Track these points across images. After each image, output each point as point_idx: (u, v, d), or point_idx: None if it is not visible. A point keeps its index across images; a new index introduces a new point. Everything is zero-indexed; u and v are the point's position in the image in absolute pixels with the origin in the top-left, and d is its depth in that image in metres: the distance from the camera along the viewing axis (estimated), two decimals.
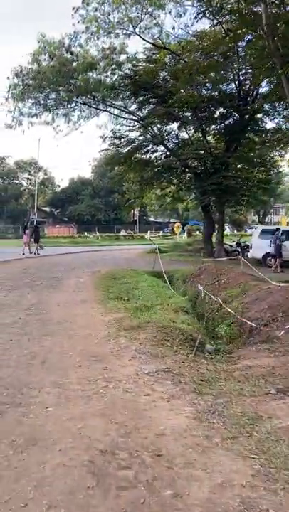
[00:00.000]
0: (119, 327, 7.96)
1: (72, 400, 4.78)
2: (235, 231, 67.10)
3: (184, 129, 24.77)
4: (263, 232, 21.53)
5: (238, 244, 24.84)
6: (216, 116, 24.92)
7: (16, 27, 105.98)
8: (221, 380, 5.54)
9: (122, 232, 59.39)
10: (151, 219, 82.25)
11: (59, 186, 74.10)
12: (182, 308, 10.12)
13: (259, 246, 21.17)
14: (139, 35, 22.00)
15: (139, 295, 11.94)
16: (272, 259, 19.80)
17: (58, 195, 72.04)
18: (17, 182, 67.53)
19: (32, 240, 27.45)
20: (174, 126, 25.68)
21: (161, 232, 60.33)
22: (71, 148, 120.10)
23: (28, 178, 69.25)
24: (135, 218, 75.33)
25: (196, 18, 18.25)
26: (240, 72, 22.47)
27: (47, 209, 73.86)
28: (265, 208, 75.54)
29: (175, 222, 58.87)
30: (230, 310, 8.59)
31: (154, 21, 22.14)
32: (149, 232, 56.16)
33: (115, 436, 3.89)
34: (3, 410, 4.52)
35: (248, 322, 8.65)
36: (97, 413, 4.42)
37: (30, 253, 26.54)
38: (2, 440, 3.85)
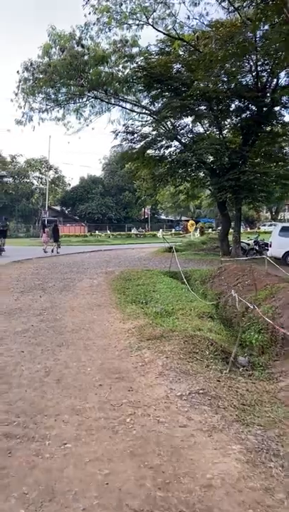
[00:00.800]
0: (141, 336, 7.18)
1: (95, 433, 4.02)
2: (248, 228, 66.08)
3: (198, 123, 23.88)
4: (283, 229, 20.60)
5: (256, 243, 23.95)
6: (231, 109, 23.99)
7: (28, 28, 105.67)
8: (266, 404, 4.73)
9: (134, 231, 58.63)
10: (163, 217, 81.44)
11: (70, 185, 73.68)
12: (206, 313, 9.32)
13: (279, 244, 20.26)
14: (152, 26, 21.17)
15: (158, 298, 11.18)
16: None
17: (68, 193, 71.58)
18: (28, 181, 67.07)
19: (50, 239, 27.79)
20: (188, 120, 24.81)
21: (173, 230, 59.52)
22: (82, 147, 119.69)
23: (38, 177, 68.82)
24: (146, 216, 74.59)
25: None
26: (258, 63, 21.55)
27: (58, 208, 73.39)
28: (278, 205, 74.18)
29: (187, 220, 57.98)
30: (266, 318, 7.75)
31: (168, 11, 21.32)
32: (161, 230, 55.36)
33: (152, 489, 3.11)
34: (14, 446, 3.77)
35: (282, 330, 7.82)
36: (126, 452, 3.65)
37: (52, 252, 26.93)
38: (11, 493, 3.09)
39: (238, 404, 4.67)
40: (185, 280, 13.58)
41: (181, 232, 55.51)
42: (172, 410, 4.45)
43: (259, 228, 61.16)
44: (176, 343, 6.60)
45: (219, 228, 61.00)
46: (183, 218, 76.42)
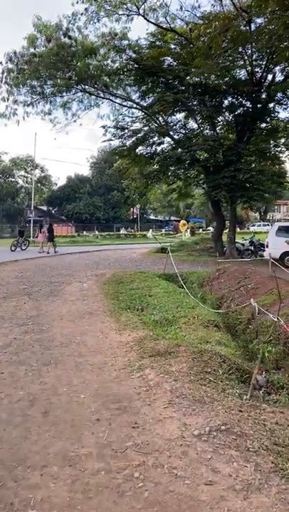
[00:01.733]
0: (142, 352, 6.21)
1: (94, 496, 3.03)
2: (238, 229, 65.47)
3: (192, 119, 23.02)
4: (281, 229, 19.81)
5: (252, 243, 23.14)
6: (225, 105, 23.19)
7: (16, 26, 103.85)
8: None
9: (122, 231, 57.57)
10: (152, 217, 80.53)
11: (56, 184, 72.40)
12: (211, 321, 8.38)
13: (276, 244, 19.45)
14: (143, 16, 20.24)
15: (155, 304, 10.23)
16: None
17: (55, 193, 70.35)
18: (13, 180, 65.70)
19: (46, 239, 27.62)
20: (180, 116, 23.94)
21: (163, 230, 58.62)
22: (69, 144, 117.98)
23: (24, 176, 67.51)
24: (135, 216, 73.62)
25: None
26: (253, 58, 20.75)
27: (44, 208, 72.04)
28: (267, 205, 73.94)
29: (177, 220, 57.14)
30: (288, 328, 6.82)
31: (159, 2, 20.42)
32: (151, 230, 54.33)
33: None
34: None
35: None
36: None
37: (41, 252, 26.74)
38: None
39: (270, 445, 3.72)
40: (183, 284, 12.64)
41: (171, 232, 54.63)
42: (191, 457, 3.48)
43: (248, 228, 60.59)
44: (183, 360, 5.64)
45: (209, 228, 60.49)
46: (172, 218, 75.61)
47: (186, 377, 5.16)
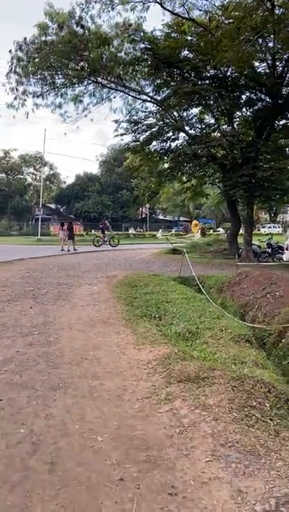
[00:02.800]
0: (168, 375, 5.17)
1: None
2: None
3: (208, 113, 21.93)
4: None
5: (269, 245, 22.02)
6: (243, 99, 22.11)
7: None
8: None
9: (131, 231, 56.56)
10: (160, 217, 79.45)
11: (65, 182, 71.55)
12: (242, 336, 7.32)
13: None
14: (160, 4, 19.16)
15: (174, 312, 9.20)
16: None
17: (63, 191, 69.49)
18: (21, 177, 64.91)
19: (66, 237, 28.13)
20: (196, 111, 22.87)
21: (173, 230, 57.52)
22: (77, 144, 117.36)
23: (33, 173, 66.73)
24: (144, 216, 72.65)
25: None
26: (275, 50, 19.66)
27: (52, 206, 71.29)
28: (277, 206, 72.69)
29: (188, 221, 56.05)
30: None
31: None
32: (160, 230, 53.31)
33: None
34: None
35: None
36: None
37: (69, 250, 27.24)
38: None
39: None
40: (203, 289, 11.59)
41: (181, 232, 53.53)
42: None
43: (259, 230, 59.39)
44: (221, 390, 4.59)
45: (219, 229, 59.35)
46: (181, 218, 74.52)
47: (228, 414, 4.11)
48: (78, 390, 4.90)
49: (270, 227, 57.93)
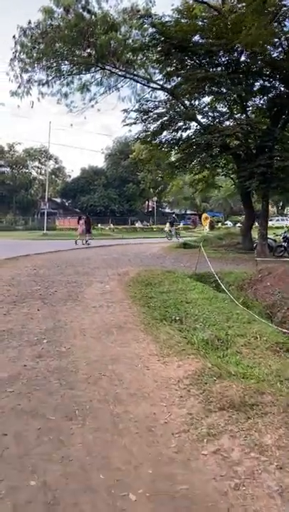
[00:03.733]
0: (206, 399, 4.30)
1: None
2: (256, 223, 63.08)
3: (221, 102, 20.91)
4: None
5: (286, 239, 21.06)
6: (257, 87, 21.06)
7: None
8: None
9: (138, 224, 55.64)
10: (167, 210, 78.33)
11: (70, 176, 70.58)
12: (280, 344, 6.42)
13: None
14: None
15: (196, 314, 8.32)
16: None
17: (69, 185, 68.57)
18: (26, 171, 63.99)
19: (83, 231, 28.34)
20: (208, 99, 21.85)
21: (181, 224, 56.50)
22: (83, 136, 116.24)
23: (38, 167, 65.77)
24: (150, 209, 71.66)
25: None
26: None
27: (58, 200, 70.42)
28: (285, 199, 71.54)
29: (195, 214, 55.03)
30: None
31: None
32: (168, 224, 52.23)
33: None
34: None
35: None
36: None
37: (83, 244, 27.56)
38: None
39: None
40: (226, 289, 10.69)
41: (190, 226, 52.53)
42: None
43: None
44: (277, 423, 3.71)
45: (227, 222, 58.30)
46: (188, 212, 73.43)
47: None
48: (99, 419, 4.05)
49: (278, 220, 56.75)
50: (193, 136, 20.69)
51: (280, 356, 5.93)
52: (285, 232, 21.80)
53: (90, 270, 15.16)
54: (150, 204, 71.68)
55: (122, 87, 22.50)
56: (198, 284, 11.69)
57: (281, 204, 77.44)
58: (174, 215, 35.99)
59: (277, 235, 22.44)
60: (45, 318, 8.09)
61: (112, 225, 51.85)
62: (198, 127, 20.72)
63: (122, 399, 4.50)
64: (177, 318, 8.16)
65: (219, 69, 19.77)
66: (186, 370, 5.14)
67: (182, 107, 20.57)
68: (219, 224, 51.42)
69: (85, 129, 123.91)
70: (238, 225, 48.13)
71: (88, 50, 19.13)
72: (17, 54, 17.70)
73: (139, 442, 3.63)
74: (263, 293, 10.71)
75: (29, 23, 17.23)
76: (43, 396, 4.57)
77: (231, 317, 7.89)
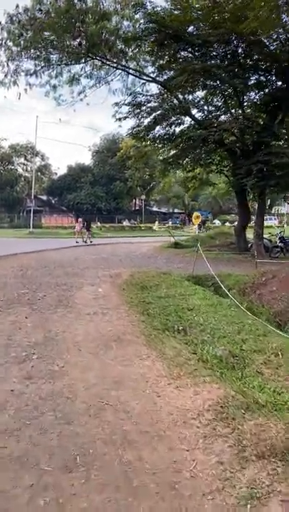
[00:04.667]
0: (238, 441, 3.47)
1: None
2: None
3: (216, 96, 20.15)
4: None
5: (282, 239, 20.45)
6: (254, 81, 20.41)
7: None
8: None
9: (126, 223, 54.74)
10: (154, 209, 77.50)
11: (56, 174, 69.21)
12: None
13: None
14: None
15: (202, 323, 7.51)
16: None
17: (55, 182, 67.24)
18: (12, 167, 62.52)
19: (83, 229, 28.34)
20: (202, 94, 21.07)
21: (169, 222, 55.74)
22: (70, 132, 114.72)
23: (24, 164, 64.35)
24: (137, 208, 70.80)
25: None
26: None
27: (44, 197, 69.07)
28: (272, 198, 71.29)
29: (185, 213, 54.30)
30: None
31: None
32: (156, 222, 51.53)
33: None
34: None
35: None
36: None
37: (84, 242, 27.09)
38: None
39: None
40: (231, 296, 9.91)
41: (179, 225, 51.81)
42: None
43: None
44: None
45: (215, 221, 57.68)
46: (176, 211, 72.74)
47: None
48: (106, 470, 3.20)
49: (266, 219, 56.34)
50: (186, 132, 19.89)
51: None
52: (280, 231, 21.19)
53: (80, 271, 14.33)
54: (137, 202, 70.77)
55: (112, 80, 21.59)
56: (198, 288, 10.92)
57: (269, 203, 77.23)
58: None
59: (272, 235, 21.82)
60: (34, 328, 7.23)
61: (99, 224, 50.80)
62: (193, 122, 19.94)
63: (132, 439, 3.66)
64: (180, 328, 7.33)
65: (214, 62, 19.05)
66: (204, 398, 4.32)
67: (176, 101, 19.75)
68: (208, 223, 50.80)
69: (72, 126, 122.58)
70: (227, 224, 47.69)
71: (78, 40, 18.16)
72: (3, 41, 16.71)
73: (162, 508, 2.80)
74: (269, 298, 9.95)
75: (17, 6, 16.24)
76: (36, 435, 3.71)
77: (243, 328, 7.09)
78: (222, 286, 10.63)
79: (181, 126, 20.15)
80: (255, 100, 21.34)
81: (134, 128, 20.16)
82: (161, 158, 21.46)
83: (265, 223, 47.20)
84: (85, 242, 26.95)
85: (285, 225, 43.21)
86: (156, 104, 20.43)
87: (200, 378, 4.87)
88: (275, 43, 19.36)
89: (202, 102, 20.19)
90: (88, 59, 18.79)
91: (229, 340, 6.46)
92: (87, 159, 78.75)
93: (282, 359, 5.60)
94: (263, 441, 3.37)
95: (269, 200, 73.56)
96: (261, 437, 3.42)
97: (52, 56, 18.06)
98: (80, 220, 28.93)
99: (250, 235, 22.37)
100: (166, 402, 4.35)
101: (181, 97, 20.30)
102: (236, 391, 4.42)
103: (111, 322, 7.72)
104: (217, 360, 5.61)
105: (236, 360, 5.69)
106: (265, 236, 21.52)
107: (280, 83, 20.14)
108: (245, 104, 21.69)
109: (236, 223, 24.23)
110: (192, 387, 4.65)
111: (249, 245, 20.94)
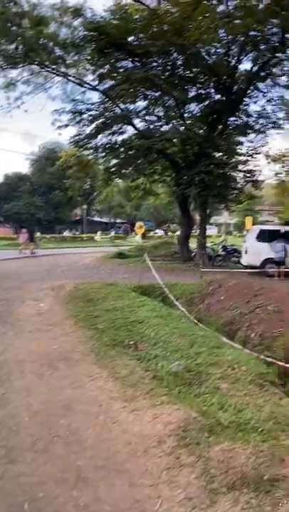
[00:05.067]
0: (204, 471, 3.15)
1: None
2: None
3: (159, 106, 20.19)
4: (262, 233, 17.49)
5: (224, 248, 20.78)
6: (194, 93, 20.72)
7: None
8: None
9: (66, 233, 53.63)
10: (96, 218, 76.82)
11: None
12: (262, 375, 5.47)
13: (256, 251, 17.23)
14: None
15: (153, 337, 7.20)
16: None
17: None
18: None
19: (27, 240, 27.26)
20: (144, 104, 21.05)
21: (112, 232, 55.32)
22: (5, 141, 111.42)
23: None
24: (78, 218, 69.82)
25: None
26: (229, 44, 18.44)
27: None
28: (211, 208, 72.77)
29: (127, 222, 54.17)
30: None
31: None
32: (99, 232, 50.89)
33: None
34: None
35: None
36: None
37: (32, 253, 26.11)
38: None
39: None
40: (180, 306, 9.69)
41: (121, 235, 51.55)
42: None
43: (195, 232, 59.04)
44: None
45: (157, 231, 58.06)
46: (118, 220, 72.53)
47: None
48: None
49: (251, 229, 57.59)
50: (129, 141, 19.74)
51: (265, 390, 4.96)
52: (222, 241, 21.53)
53: (20, 284, 13.60)
54: (78, 212, 69.81)
55: (50, 87, 20.94)
56: (146, 299, 10.62)
57: (208, 212, 79.12)
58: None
59: (215, 244, 22.12)
60: None
61: (39, 234, 49.30)
62: (135, 132, 19.85)
63: (87, 476, 3.23)
64: (131, 342, 6.98)
65: (155, 72, 19.11)
66: (164, 422, 3.97)
67: (118, 110, 19.56)
68: (151, 233, 51.04)
69: (9, 133, 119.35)
70: (170, 233, 48.12)
71: (15, 44, 17.50)
72: None
73: None
74: (218, 308, 9.86)
75: None
76: None
77: (196, 340, 6.84)
78: (170, 296, 10.39)
79: (124, 135, 20.02)
80: (195, 112, 21.64)
81: (75, 136, 19.70)
82: (103, 167, 21.07)
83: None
84: (33, 253, 26.15)
85: (223, 235, 44.33)
86: (97, 112, 20.13)
87: (157, 399, 4.53)
88: (213, 56, 19.79)
89: (144, 112, 20.15)
90: (26, 64, 18.14)
91: (183, 354, 6.17)
92: (24, 168, 76.78)
93: (239, 372, 5.39)
94: (232, 469, 3.07)
95: (208, 210, 75.77)
96: (230, 465, 3.13)
97: None
98: (23, 230, 27.71)
99: (193, 244, 22.55)
100: (122, 429, 3.96)
101: (122, 106, 20.14)
102: (198, 412, 4.12)
103: (56, 339, 7.22)
104: (172, 377, 5.30)
105: (192, 375, 5.41)
106: (207, 245, 21.78)
107: (218, 96, 20.55)
108: (186, 115, 21.96)
109: (179, 233, 24.32)
110: (149, 409, 4.29)
111: (192, 254, 21.06)
